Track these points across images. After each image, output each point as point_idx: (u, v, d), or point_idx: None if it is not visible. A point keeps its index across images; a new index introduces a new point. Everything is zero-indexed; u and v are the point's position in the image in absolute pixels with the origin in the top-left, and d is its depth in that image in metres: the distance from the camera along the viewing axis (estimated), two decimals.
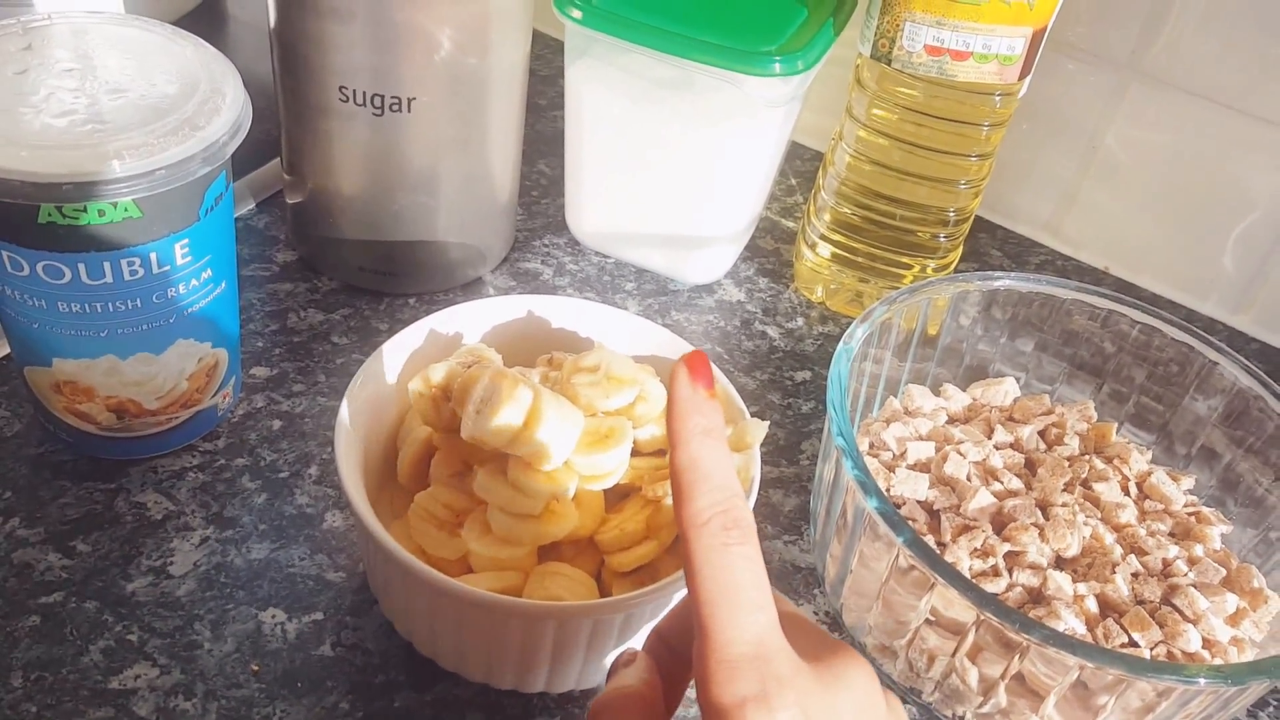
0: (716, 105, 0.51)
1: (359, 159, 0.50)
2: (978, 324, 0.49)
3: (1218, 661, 0.39)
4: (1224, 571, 0.41)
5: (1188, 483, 0.45)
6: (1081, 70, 0.61)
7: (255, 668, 0.39)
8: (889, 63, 0.50)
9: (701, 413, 0.28)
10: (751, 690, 0.25)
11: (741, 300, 0.59)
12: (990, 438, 0.46)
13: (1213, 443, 0.46)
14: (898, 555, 0.37)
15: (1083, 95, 0.61)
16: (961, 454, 0.44)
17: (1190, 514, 0.44)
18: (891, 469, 0.44)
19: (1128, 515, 0.42)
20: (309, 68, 0.48)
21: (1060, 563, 0.41)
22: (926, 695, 0.40)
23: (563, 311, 0.45)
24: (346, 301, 0.55)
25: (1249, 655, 0.39)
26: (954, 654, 0.38)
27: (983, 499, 0.42)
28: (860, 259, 0.56)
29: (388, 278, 0.55)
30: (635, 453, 0.39)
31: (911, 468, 0.44)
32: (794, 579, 0.45)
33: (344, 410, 0.39)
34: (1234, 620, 0.39)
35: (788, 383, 0.54)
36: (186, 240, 0.39)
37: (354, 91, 0.47)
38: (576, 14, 0.50)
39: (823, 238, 0.57)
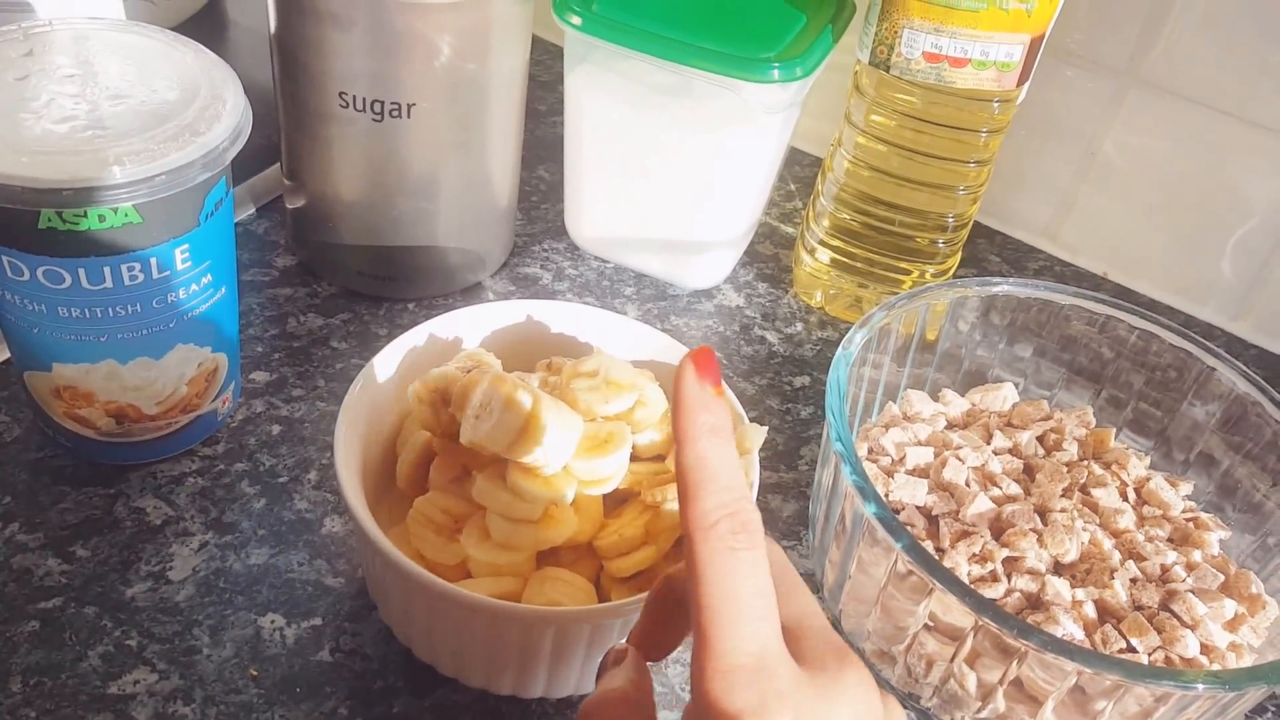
0: (715, 111, 0.51)
1: (359, 164, 0.50)
2: (976, 329, 0.49)
3: (1216, 667, 0.39)
4: (1222, 577, 0.41)
5: (1186, 488, 0.45)
6: (1079, 76, 0.61)
7: (254, 673, 0.39)
8: (887, 69, 0.50)
9: (709, 410, 0.27)
10: (750, 703, 0.24)
11: (740, 305, 0.59)
12: (989, 443, 0.46)
13: (1211, 448, 0.46)
14: (896, 560, 0.37)
15: (1081, 101, 0.62)
16: (960, 459, 0.44)
17: (1189, 520, 0.44)
18: (890, 474, 0.44)
19: (1126, 521, 0.42)
20: (309, 74, 0.48)
21: (1059, 568, 0.41)
22: (925, 700, 0.40)
23: (562, 316, 0.45)
24: (346, 306, 0.55)
25: (1247, 661, 0.39)
26: (952, 659, 0.38)
27: (981, 504, 0.42)
28: (859, 264, 0.57)
29: (387, 283, 0.55)
30: (634, 458, 0.39)
31: (910, 473, 0.44)
32: None
33: (343, 415, 0.39)
34: (1232, 626, 0.39)
35: (786, 388, 0.54)
36: (187, 245, 0.39)
37: (354, 97, 0.48)
38: (576, 20, 0.50)
39: (822, 243, 0.57)
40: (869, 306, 0.57)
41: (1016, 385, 0.50)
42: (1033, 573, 0.40)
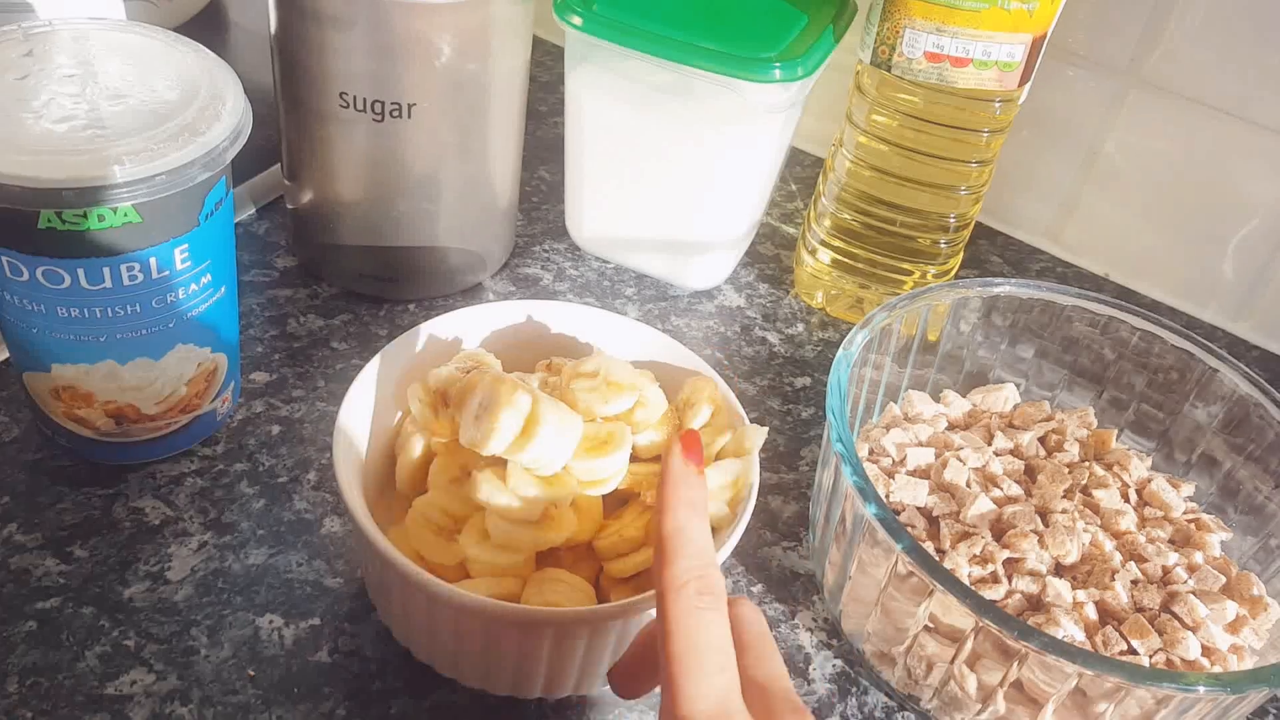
0: (716, 111, 0.51)
1: (359, 165, 0.50)
2: (978, 330, 0.49)
3: (1217, 669, 0.38)
4: (1224, 579, 0.41)
5: (1188, 490, 0.45)
6: (1081, 77, 0.61)
7: (252, 674, 0.39)
8: (889, 69, 0.50)
9: (690, 486, 0.31)
10: None
11: (741, 306, 0.59)
12: (990, 444, 0.46)
13: (1213, 450, 0.46)
14: (896, 562, 0.37)
15: (1082, 102, 0.61)
16: (961, 460, 0.43)
17: (1190, 521, 0.43)
18: (891, 475, 0.44)
19: (1127, 522, 0.42)
20: (309, 74, 0.48)
21: (1060, 570, 0.41)
22: (925, 702, 0.40)
23: (562, 317, 0.45)
24: (346, 307, 0.55)
25: (1248, 663, 0.39)
26: (952, 661, 0.38)
27: (982, 505, 0.42)
28: (860, 265, 0.56)
29: (388, 283, 0.55)
30: (634, 458, 0.39)
31: (911, 474, 0.44)
32: (793, 585, 0.45)
33: (343, 416, 0.39)
34: (1234, 628, 0.39)
35: (787, 389, 0.54)
36: (186, 245, 0.39)
37: (354, 98, 0.47)
38: (577, 20, 0.50)
39: (823, 243, 0.57)
40: (870, 307, 0.57)
41: (1018, 386, 0.50)
42: (1033, 574, 0.40)
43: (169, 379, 0.42)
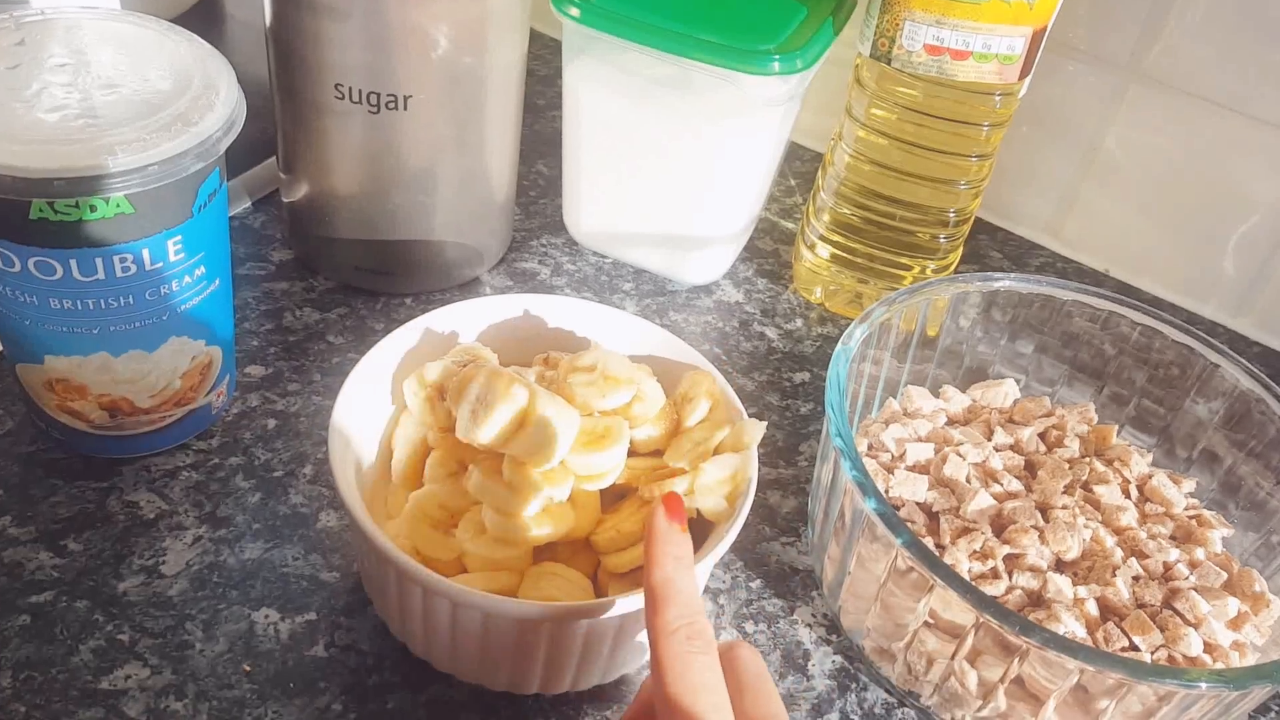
0: (715, 104, 0.51)
1: (355, 157, 0.50)
2: (977, 325, 0.49)
3: (1219, 665, 0.38)
4: (1225, 575, 0.40)
5: (1189, 486, 0.45)
6: (1081, 72, 0.61)
7: (247, 668, 0.39)
8: (888, 62, 0.50)
9: (675, 543, 0.33)
10: None
11: (740, 301, 0.59)
12: (990, 439, 0.45)
13: (1214, 446, 0.46)
14: (896, 557, 0.37)
15: (1083, 97, 0.61)
16: (961, 456, 0.43)
17: (1191, 517, 0.43)
18: (890, 470, 0.44)
19: (1128, 518, 0.42)
20: (305, 65, 0.47)
21: (1060, 565, 0.40)
22: (925, 698, 0.40)
23: (559, 311, 0.45)
24: (342, 301, 0.54)
25: (1250, 659, 0.39)
26: (953, 657, 0.37)
27: (982, 501, 0.41)
28: (859, 260, 0.56)
29: (384, 277, 0.54)
30: (632, 453, 0.39)
31: (910, 469, 0.44)
32: (791, 581, 0.45)
33: (339, 409, 0.38)
34: (1235, 624, 0.39)
35: (786, 384, 0.54)
36: (179, 237, 0.39)
37: (350, 89, 0.47)
38: (574, 12, 0.50)
39: (822, 238, 0.57)
40: (869, 302, 0.56)
41: (1018, 381, 0.49)
42: (1034, 570, 0.39)
43: (163, 372, 0.42)
